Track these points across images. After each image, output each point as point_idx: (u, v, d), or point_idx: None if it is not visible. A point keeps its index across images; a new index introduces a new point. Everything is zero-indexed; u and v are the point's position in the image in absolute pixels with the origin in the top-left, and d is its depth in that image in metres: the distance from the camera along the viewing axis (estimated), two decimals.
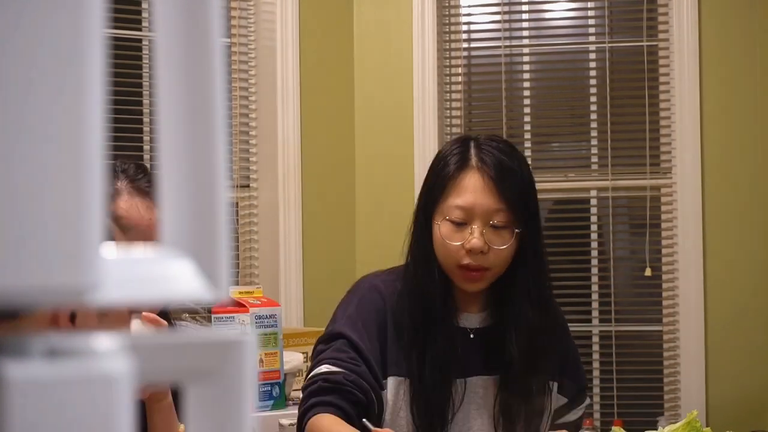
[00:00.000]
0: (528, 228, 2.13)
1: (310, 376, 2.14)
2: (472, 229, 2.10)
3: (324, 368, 2.11)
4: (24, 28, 0.39)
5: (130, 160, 2.29)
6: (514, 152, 2.18)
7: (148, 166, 2.40)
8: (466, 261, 2.10)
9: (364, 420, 2.06)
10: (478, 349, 2.18)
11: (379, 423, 2.10)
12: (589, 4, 4.60)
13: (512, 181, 2.12)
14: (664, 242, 4.43)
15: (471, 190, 2.11)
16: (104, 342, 0.41)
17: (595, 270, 4.52)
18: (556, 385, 2.22)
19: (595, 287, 4.51)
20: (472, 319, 2.20)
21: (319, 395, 2.09)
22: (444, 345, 2.12)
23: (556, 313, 2.26)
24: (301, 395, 2.17)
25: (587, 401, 2.30)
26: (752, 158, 4.35)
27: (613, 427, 2.21)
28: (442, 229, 2.11)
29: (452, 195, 2.12)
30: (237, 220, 4.40)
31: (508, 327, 2.14)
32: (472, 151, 2.14)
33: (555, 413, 2.22)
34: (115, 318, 1.45)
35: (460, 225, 2.11)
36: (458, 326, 2.18)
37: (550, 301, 2.22)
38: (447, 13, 4.61)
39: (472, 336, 2.19)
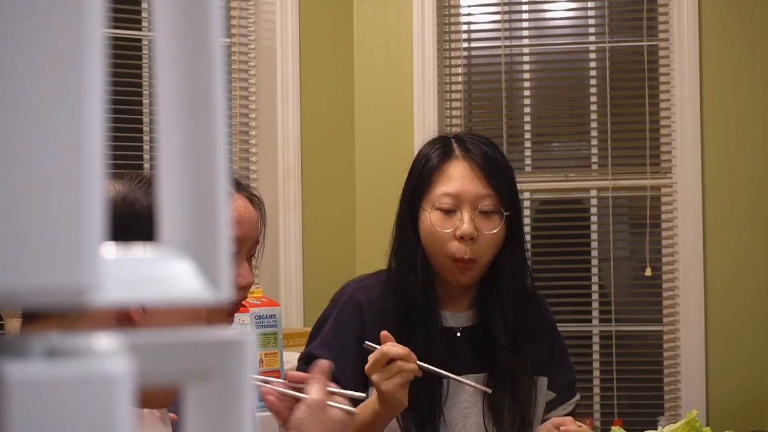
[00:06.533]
0: (513, 215, 2.15)
1: None
2: (461, 216, 2.12)
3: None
4: (23, 28, 0.39)
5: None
6: (495, 146, 2.22)
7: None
8: (459, 254, 2.11)
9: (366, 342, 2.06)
10: (466, 348, 2.19)
11: None
12: (589, 4, 4.60)
13: (498, 168, 2.15)
14: (664, 242, 4.43)
15: (458, 177, 2.14)
16: (103, 342, 0.41)
17: (595, 270, 4.52)
18: (545, 380, 2.22)
19: (595, 287, 4.51)
20: (458, 318, 2.21)
21: None
22: (427, 342, 2.12)
23: (541, 305, 2.27)
24: None
25: (577, 396, 2.30)
26: (752, 158, 4.35)
27: (613, 427, 2.21)
28: (432, 217, 2.13)
29: (439, 184, 2.15)
30: None
31: (493, 322, 2.15)
32: (455, 145, 2.18)
33: (545, 408, 2.22)
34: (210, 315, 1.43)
35: (449, 212, 2.13)
36: (444, 326, 2.18)
37: (533, 293, 2.23)
38: (447, 13, 4.61)
39: (459, 334, 2.20)
